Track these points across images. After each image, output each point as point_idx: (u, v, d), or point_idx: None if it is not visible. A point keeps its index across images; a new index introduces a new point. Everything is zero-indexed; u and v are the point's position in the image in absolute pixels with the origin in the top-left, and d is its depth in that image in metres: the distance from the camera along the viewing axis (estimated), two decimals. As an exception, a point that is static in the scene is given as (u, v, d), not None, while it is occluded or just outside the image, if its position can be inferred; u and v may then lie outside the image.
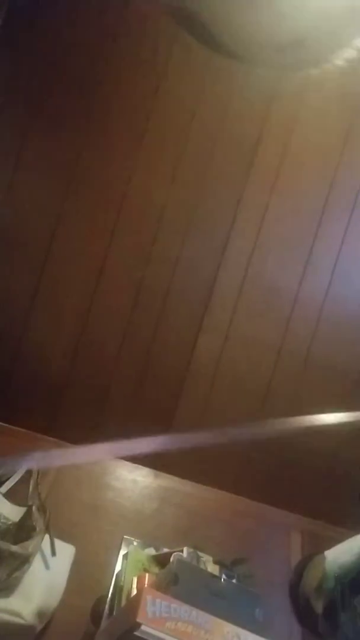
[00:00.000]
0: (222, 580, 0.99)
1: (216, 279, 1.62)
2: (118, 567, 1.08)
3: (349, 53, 0.59)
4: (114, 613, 0.96)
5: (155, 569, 1.05)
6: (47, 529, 1.08)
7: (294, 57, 0.58)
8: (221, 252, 1.62)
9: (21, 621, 0.95)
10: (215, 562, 1.10)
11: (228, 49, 0.59)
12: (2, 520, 1.09)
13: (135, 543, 1.16)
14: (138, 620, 0.78)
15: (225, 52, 0.59)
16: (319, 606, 1.13)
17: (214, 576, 1.01)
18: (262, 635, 0.84)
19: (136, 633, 0.78)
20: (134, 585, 0.98)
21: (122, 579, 1.02)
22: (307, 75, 1.53)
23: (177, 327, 1.63)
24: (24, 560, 1.00)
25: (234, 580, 1.03)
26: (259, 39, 0.57)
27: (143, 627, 0.78)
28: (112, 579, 1.04)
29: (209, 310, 1.63)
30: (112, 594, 1.01)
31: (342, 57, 0.59)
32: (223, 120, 1.58)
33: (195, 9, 0.56)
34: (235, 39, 0.57)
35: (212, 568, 1.08)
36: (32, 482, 1.26)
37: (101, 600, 1.02)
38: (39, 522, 1.08)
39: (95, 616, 1.01)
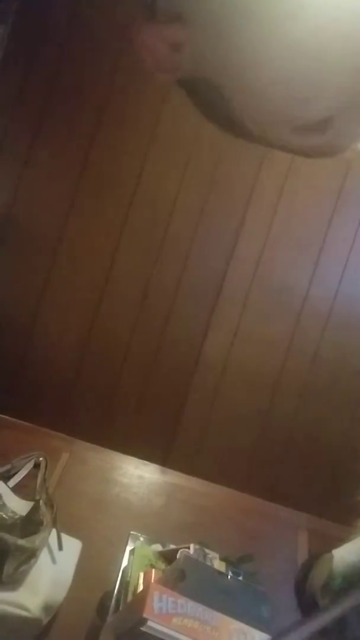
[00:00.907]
0: (229, 577, 0.99)
1: (225, 277, 1.62)
2: (124, 563, 1.08)
3: None
4: (121, 608, 0.96)
5: (162, 565, 1.05)
6: (54, 524, 1.08)
7: (317, 140, 0.46)
8: (231, 250, 1.62)
9: (27, 614, 0.96)
10: (221, 559, 1.09)
11: (241, 127, 0.47)
12: (9, 514, 1.09)
13: (141, 539, 1.16)
14: (145, 615, 0.78)
15: (238, 131, 0.49)
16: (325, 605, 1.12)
17: (220, 573, 1.01)
18: (268, 633, 0.84)
19: (142, 628, 0.78)
20: (141, 581, 0.98)
21: (129, 574, 1.02)
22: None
23: (185, 324, 1.63)
24: (31, 554, 1.00)
25: (240, 578, 1.02)
26: (279, 117, 0.44)
27: (149, 623, 0.78)
28: (118, 575, 1.05)
29: (218, 307, 1.62)
30: (119, 589, 1.01)
31: None
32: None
33: (205, 75, 0.45)
34: (255, 122, 0.46)
35: (219, 565, 1.08)
36: (39, 476, 1.27)
37: (107, 595, 1.02)
38: (46, 516, 1.08)
39: (102, 611, 1.01)
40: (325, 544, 1.27)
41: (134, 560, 1.05)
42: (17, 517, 1.08)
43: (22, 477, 1.25)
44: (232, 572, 1.03)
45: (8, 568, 0.97)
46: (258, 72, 0.42)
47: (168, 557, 1.07)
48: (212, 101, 0.46)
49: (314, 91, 0.41)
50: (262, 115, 0.45)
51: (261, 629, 0.84)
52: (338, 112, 0.43)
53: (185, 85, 0.48)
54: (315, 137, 0.45)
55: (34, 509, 1.09)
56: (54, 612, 1.02)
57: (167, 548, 1.11)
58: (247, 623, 0.83)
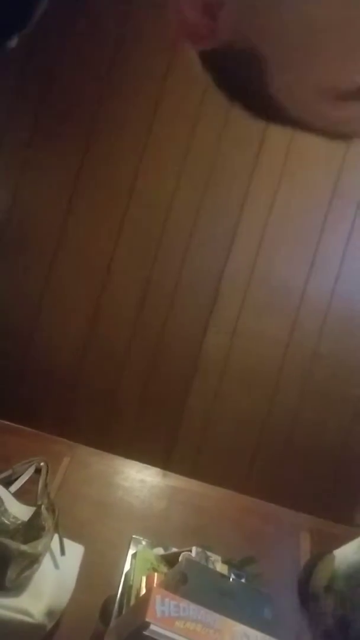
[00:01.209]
0: (231, 579, 0.99)
1: (223, 277, 1.62)
2: (127, 567, 1.08)
3: None
4: (123, 612, 0.96)
5: (164, 569, 1.05)
6: (56, 529, 1.08)
7: (356, 110, 0.43)
8: (228, 249, 1.62)
9: (31, 620, 0.96)
10: (224, 562, 1.10)
11: (273, 104, 0.44)
12: (11, 520, 1.09)
13: (143, 542, 1.16)
14: (147, 619, 0.78)
15: (268, 110, 0.46)
16: (328, 606, 1.12)
17: (223, 576, 1.01)
18: (271, 635, 0.84)
19: (145, 632, 0.78)
20: (143, 585, 0.98)
21: (131, 578, 1.02)
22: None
23: (184, 324, 1.64)
24: (34, 560, 1.00)
25: (242, 580, 1.03)
26: (318, 83, 0.41)
27: (152, 627, 0.78)
28: (121, 579, 1.05)
29: (217, 307, 1.63)
30: (121, 593, 1.01)
31: None
32: (227, 118, 1.58)
33: (242, 43, 0.41)
34: (292, 92, 0.43)
35: (221, 567, 1.08)
36: (41, 482, 1.27)
37: (110, 599, 1.02)
38: (48, 521, 1.08)
39: (105, 615, 1.01)
40: (327, 544, 1.28)
41: (136, 564, 1.05)
42: (19, 522, 1.09)
43: (23, 482, 1.25)
44: (235, 574, 1.04)
45: (11, 574, 0.97)
46: (302, 34, 0.39)
47: (170, 560, 1.07)
48: (245, 74, 0.43)
49: (352, 53, 0.39)
50: (301, 84, 0.42)
51: (264, 631, 0.84)
52: None
53: (214, 59, 0.44)
54: (354, 106, 0.42)
55: (36, 514, 1.09)
56: (57, 618, 1.02)
57: (169, 551, 1.11)
58: (250, 625, 0.83)
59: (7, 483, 1.21)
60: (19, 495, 1.18)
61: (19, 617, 0.95)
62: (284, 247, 1.62)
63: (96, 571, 1.12)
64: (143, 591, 0.96)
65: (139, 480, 1.45)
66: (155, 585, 0.94)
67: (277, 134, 1.57)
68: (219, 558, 1.09)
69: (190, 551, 1.05)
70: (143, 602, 0.83)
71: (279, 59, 0.41)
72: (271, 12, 0.39)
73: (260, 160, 1.59)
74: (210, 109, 1.57)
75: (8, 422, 1.53)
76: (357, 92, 0.41)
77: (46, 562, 1.04)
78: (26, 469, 1.29)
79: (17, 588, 0.98)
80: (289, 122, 0.47)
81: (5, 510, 1.10)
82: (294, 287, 1.61)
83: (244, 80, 0.44)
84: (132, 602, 0.96)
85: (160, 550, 1.12)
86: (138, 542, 1.16)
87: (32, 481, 1.27)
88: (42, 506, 1.11)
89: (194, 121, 1.58)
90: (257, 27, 0.40)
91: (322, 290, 1.62)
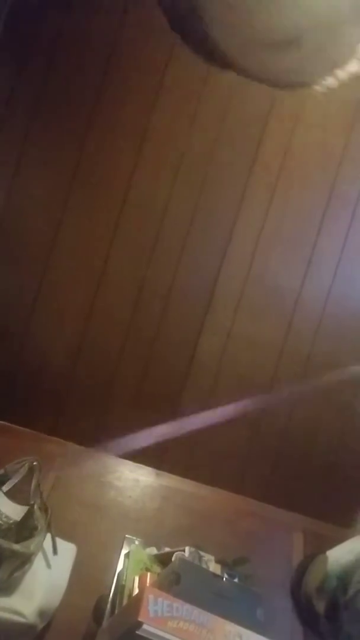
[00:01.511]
0: (224, 579, 0.99)
1: (218, 278, 1.62)
2: (120, 567, 1.08)
3: (353, 65, 0.48)
4: (116, 612, 0.96)
5: (157, 569, 1.05)
6: (48, 528, 1.08)
7: (289, 61, 0.47)
8: (223, 251, 1.62)
9: (23, 620, 0.95)
10: (217, 562, 1.10)
11: (217, 51, 0.49)
12: (3, 519, 1.08)
13: (136, 542, 1.16)
14: (140, 619, 0.78)
15: (217, 56, 0.50)
16: (320, 606, 1.12)
17: (215, 576, 1.01)
18: (263, 635, 0.84)
19: (138, 632, 0.78)
20: (136, 585, 0.97)
21: (124, 578, 1.02)
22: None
23: (179, 326, 1.63)
24: (26, 559, 1.00)
25: (235, 580, 1.03)
26: (252, 36, 0.46)
27: (145, 626, 0.77)
28: (113, 578, 1.04)
29: (211, 309, 1.63)
30: (114, 593, 1.01)
31: (345, 70, 0.48)
32: (225, 120, 1.58)
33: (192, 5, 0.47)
34: (226, 36, 0.48)
35: (214, 567, 1.08)
36: (34, 481, 1.26)
37: (103, 599, 1.02)
38: (40, 521, 1.08)
39: (97, 615, 1.01)
40: (320, 545, 1.28)
41: (129, 563, 1.05)
42: (11, 522, 1.08)
43: (16, 482, 1.24)
44: (228, 574, 1.03)
45: (2, 573, 0.97)
46: None
47: (163, 560, 1.07)
48: (190, 21, 0.48)
49: (284, 7, 0.43)
50: (238, 33, 0.47)
51: (256, 631, 0.83)
52: (306, 32, 0.44)
53: (166, 3, 0.49)
54: (285, 57, 0.47)
55: (29, 514, 1.09)
56: (49, 618, 1.02)
57: (162, 551, 1.11)
58: (243, 625, 0.83)
59: (0, 483, 1.21)
60: (12, 494, 1.17)
61: (11, 617, 0.95)
62: (280, 250, 1.62)
63: (89, 571, 1.11)
64: (136, 591, 0.96)
65: (132, 479, 1.45)
66: (148, 585, 0.94)
67: (275, 137, 1.57)
68: (212, 558, 1.09)
69: (184, 551, 1.05)
70: (136, 602, 0.82)
71: (218, 8, 0.46)
72: None
73: (257, 162, 1.59)
74: (209, 107, 1.57)
75: (1, 422, 1.52)
76: (288, 43, 0.45)
77: (38, 561, 1.04)
78: (19, 469, 1.28)
79: (8, 588, 0.98)
80: (235, 69, 0.51)
81: (-2, 509, 1.09)
82: (290, 288, 1.62)
83: (190, 26, 0.48)
84: (125, 601, 0.96)
85: (153, 550, 1.12)
86: (131, 542, 1.16)
87: (25, 481, 1.26)
88: (35, 506, 1.11)
89: (192, 119, 1.58)
90: None
91: (318, 292, 1.62)
